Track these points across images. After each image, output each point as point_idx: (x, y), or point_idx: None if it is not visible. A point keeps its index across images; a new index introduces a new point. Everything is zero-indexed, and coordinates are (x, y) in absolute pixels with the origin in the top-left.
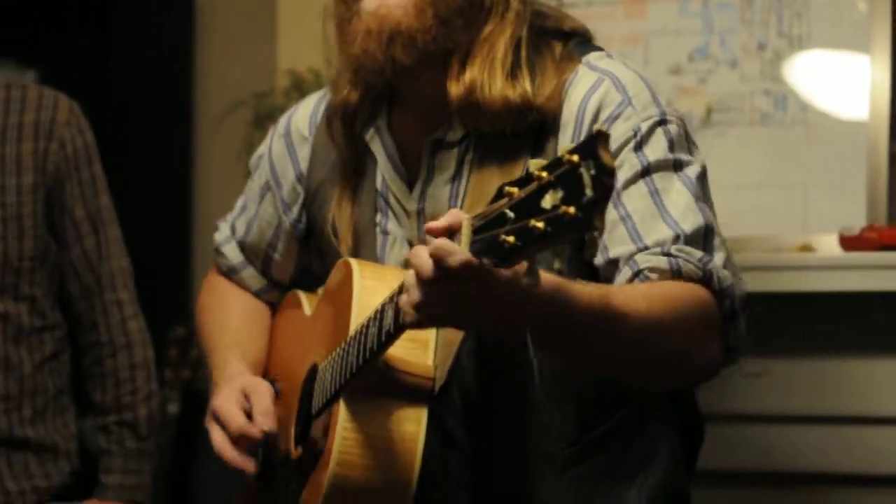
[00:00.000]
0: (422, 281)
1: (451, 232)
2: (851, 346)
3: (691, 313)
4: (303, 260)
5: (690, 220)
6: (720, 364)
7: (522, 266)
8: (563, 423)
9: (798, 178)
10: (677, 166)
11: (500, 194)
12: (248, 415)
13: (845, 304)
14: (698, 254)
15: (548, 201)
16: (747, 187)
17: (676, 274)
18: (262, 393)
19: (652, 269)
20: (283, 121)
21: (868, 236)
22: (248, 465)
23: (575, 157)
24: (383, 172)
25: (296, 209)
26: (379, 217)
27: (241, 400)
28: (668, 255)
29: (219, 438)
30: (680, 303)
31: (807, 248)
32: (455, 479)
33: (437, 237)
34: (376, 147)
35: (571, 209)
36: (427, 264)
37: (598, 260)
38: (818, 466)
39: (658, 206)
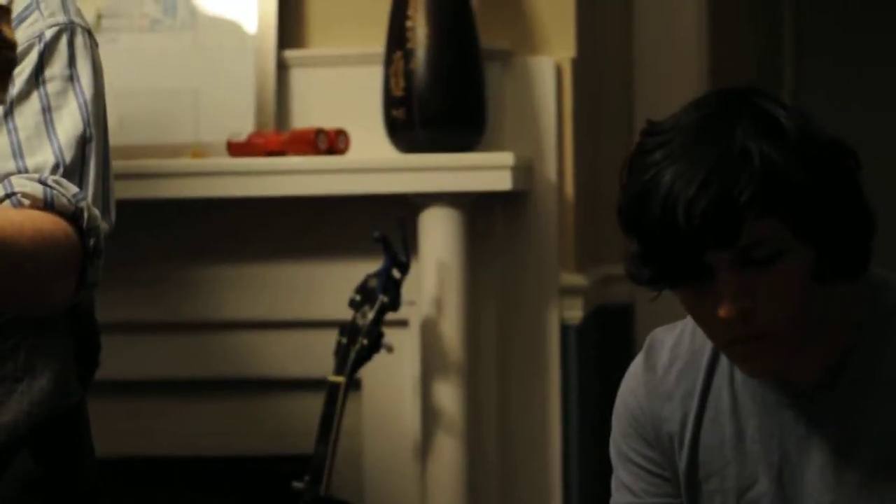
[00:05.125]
0: None
1: None
2: (244, 251)
3: (56, 249)
4: None
5: (74, 149)
6: (72, 299)
7: None
8: None
9: (189, 85)
10: (75, 81)
11: None
12: None
13: (234, 209)
14: (73, 189)
15: None
16: (138, 94)
17: (49, 205)
18: None
19: (25, 195)
20: None
21: (255, 142)
22: None
23: None
24: None
25: None
26: None
27: None
28: (44, 183)
29: None
30: (47, 235)
31: (198, 154)
32: None
33: None
34: None
35: None
36: None
37: None
38: (212, 372)
39: (47, 124)
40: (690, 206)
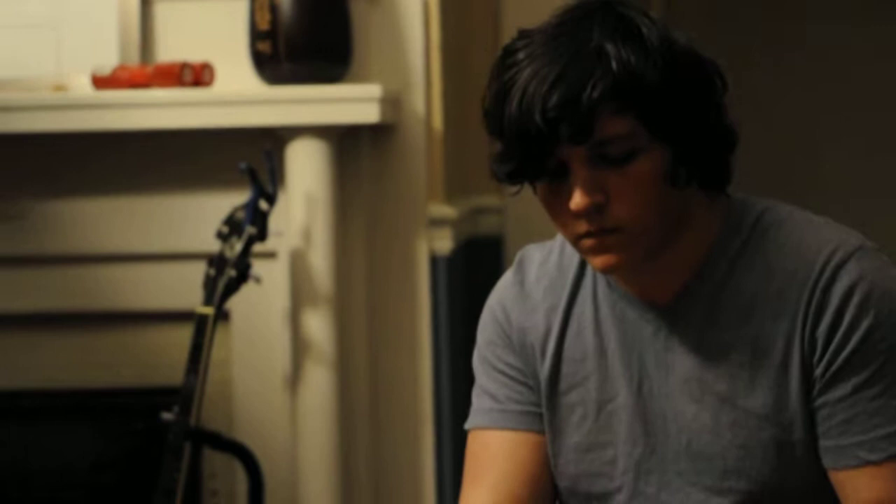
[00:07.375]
0: None
1: None
2: (110, 184)
3: None
4: None
5: None
6: None
7: None
8: None
9: (50, 19)
10: None
11: None
12: None
13: (100, 143)
14: None
15: None
16: None
17: None
18: None
19: None
20: None
21: (120, 76)
22: None
23: None
24: None
25: None
26: None
27: None
28: None
29: None
30: None
31: (60, 88)
32: None
33: None
34: None
35: None
36: None
37: None
38: (79, 305)
39: None
40: (544, 102)
